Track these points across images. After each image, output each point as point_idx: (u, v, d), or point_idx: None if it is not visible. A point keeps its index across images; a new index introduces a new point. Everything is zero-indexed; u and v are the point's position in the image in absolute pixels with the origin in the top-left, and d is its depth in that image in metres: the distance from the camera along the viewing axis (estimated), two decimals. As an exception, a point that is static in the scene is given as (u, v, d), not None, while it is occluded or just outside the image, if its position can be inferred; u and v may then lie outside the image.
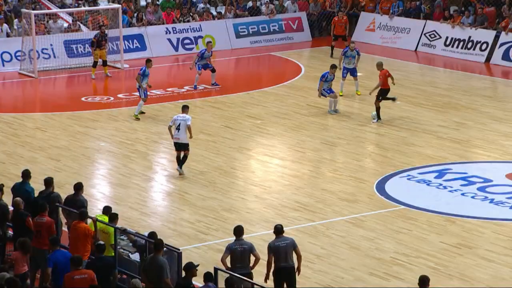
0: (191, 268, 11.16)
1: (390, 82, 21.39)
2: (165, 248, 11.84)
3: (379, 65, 21.52)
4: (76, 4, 29.24)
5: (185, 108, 18.03)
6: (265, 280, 12.07)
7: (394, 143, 19.88)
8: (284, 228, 12.48)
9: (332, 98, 22.13)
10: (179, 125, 17.58)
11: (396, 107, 22.42)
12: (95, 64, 25.53)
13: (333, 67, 22.22)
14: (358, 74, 23.94)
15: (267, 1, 31.47)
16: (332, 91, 22.14)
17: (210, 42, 25.57)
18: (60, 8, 28.46)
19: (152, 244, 11.89)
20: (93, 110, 22.31)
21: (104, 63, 25.58)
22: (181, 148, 17.64)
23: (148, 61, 21.79)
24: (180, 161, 17.64)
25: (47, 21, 27.63)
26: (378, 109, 21.33)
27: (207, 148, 19.48)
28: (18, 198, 13.12)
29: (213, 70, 24.35)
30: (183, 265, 11.40)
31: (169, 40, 28.88)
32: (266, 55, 29.67)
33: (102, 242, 11.95)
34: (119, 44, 27.12)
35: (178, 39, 29.26)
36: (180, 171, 17.60)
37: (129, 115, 21.93)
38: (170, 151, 19.23)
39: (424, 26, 29.69)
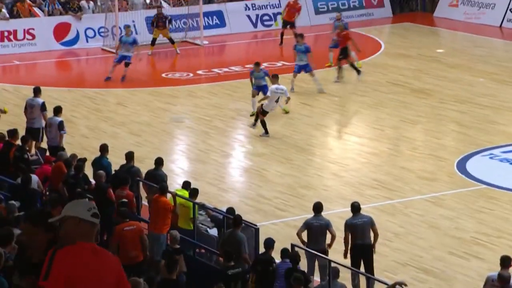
0: (271, 244, 11.25)
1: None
2: (243, 224, 11.94)
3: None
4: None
5: (275, 78, 18.76)
6: (344, 256, 12.08)
7: (476, 121, 19.47)
8: (362, 206, 12.41)
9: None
10: (278, 97, 18.36)
11: (479, 84, 21.93)
12: (153, 42, 25.70)
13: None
14: None
15: (347, -23, 31.11)
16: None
17: None
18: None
19: (230, 220, 12.01)
20: (173, 86, 22.57)
21: (171, 41, 25.66)
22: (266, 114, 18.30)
23: (257, 64, 20.35)
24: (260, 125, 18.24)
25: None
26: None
27: (285, 125, 19.48)
28: (101, 171, 13.42)
29: None
30: (260, 240, 11.48)
31: (248, 16, 28.88)
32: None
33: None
34: (199, 21, 27.29)
35: (257, 15, 29.24)
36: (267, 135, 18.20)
37: (207, 91, 22.10)
38: (248, 127, 19.33)
39: (510, 2, 28.86)
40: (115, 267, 4.82)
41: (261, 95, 19.42)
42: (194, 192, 13.01)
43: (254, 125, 18.54)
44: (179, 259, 10.73)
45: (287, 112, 19.83)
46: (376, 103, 21.03)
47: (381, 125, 19.49)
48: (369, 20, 30.32)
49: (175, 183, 15.33)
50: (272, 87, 18.65)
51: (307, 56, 21.50)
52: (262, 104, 18.48)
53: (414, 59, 24.88)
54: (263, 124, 18.32)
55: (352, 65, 22.72)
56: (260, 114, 18.34)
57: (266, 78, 19.85)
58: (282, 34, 26.38)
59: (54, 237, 5.01)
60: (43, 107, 16.53)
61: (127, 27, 23.94)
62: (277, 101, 18.48)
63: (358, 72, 22.01)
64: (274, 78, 18.99)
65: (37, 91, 16.87)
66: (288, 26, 26.25)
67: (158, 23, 25.63)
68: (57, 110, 16.05)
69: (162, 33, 25.66)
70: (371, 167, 16.95)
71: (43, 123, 16.32)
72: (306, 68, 21.64)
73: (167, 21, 25.70)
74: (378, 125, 19.55)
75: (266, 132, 18.37)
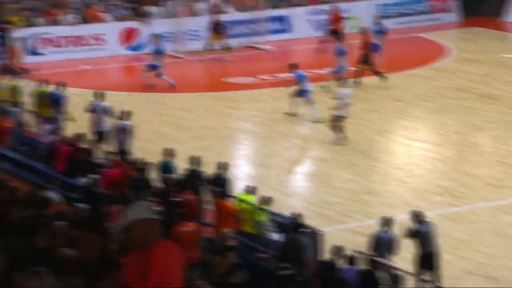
0: (338, 251, 11.19)
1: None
2: (305, 229, 11.90)
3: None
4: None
5: (345, 83, 18.90)
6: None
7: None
8: (427, 213, 12.23)
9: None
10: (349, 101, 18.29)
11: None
12: (209, 48, 25.78)
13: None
14: None
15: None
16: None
17: None
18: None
19: (293, 224, 11.98)
20: (236, 90, 22.66)
21: (227, 48, 25.70)
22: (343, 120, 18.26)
23: (293, 66, 20.62)
24: (342, 132, 18.26)
25: (196, 3, 28.28)
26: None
27: (349, 130, 19.36)
28: (168, 175, 13.56)
29: None
30: (322, 246, 11.42)
31: (312, 21, 28.81)
32: (411, 36, 29.06)
33: None
34: (263, 26, 27.34)
35: (323, 20, 29.15)
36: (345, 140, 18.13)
37: (269, 96, 22.12)
38: (311, 132, 19.27)
39: None
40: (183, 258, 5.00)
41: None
42: (267, 200, 13.01)
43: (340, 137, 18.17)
44: (229, 255, 10.73)
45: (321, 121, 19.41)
46: (441, 108, 20.73)
47: (446, 131, 19.20)
48: (436, 25, 29.93)
49: (238, 188, 15.38)
50: (343, 91, 18.49)
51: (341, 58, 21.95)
52: (334, 111, 18.21)
53: (481, 64, 24.47)
54: (336, 130, 18.06)
55: (375, 71, 22.50)
56: (333, 122, 18.09)
57: (301, 82, 19.86)
58: (323, 42, 26.24)
59: (107, 242, 5.07)
60: (108, 110, 16.85)
61: (155, 36, 23.83)
62: (348, 104, 18.34)
63: (382, 76, 21.35)
64: (342, 82, 18.90)
65: (101, 95, 17.20)
66: (332, 35, 25.79)
67: (215, 29, 25.77)
68: (126, 115, 16.31)
69: (218, 38, 25.76)
70: (436, 173, 16.71)
71: (107, 126, 16.64)
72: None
73: (223, 28, 25.82)
74: (443, 130, 19.27)
75: (342, 137, 18.17)
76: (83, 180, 13.53)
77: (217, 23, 25.77)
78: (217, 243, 11.87)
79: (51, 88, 18.12)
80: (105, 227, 4.95)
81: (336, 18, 26.53)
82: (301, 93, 19.72)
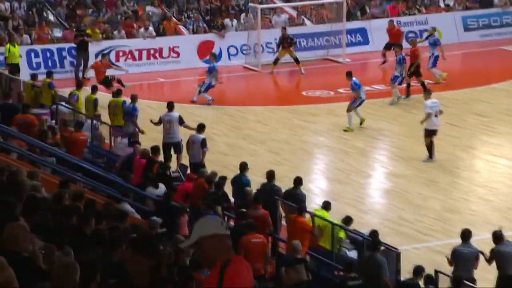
0: (419, 271, 11.08)
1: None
2: (383, 247, 11.81)
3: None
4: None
5: (429, 93, 18.51)
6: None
7: None
8: (510, 233, 11.96)
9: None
10: (437, 111, 17.91)
11: None
12: (276, 61, 25.82)
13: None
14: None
15: (500, -8, 30.26)
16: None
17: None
18: (285, 2, 29.19)
19: (370, 242, 11.90)
20: (313, 104, 22.65)
21: (296, 61, 25.69)
22: (435, 134, 17.87)
23: (349, 73, 21.10)
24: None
25: (272, 15, 28.46)
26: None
27: (430, 145, 19.11)
28: (248, 188, 13.65)
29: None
30: (401, 265, 11.31)
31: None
32: (497, 49, 28.54)
33: None
34: (342, 38, 27.32)
35: (402, 32, 28.92)
36: (431, 160, 17.70)
37: (346, 110, 22.00)
38: (390, 147, 19.12)
39: None
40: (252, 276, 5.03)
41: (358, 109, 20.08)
42: (348, 220, 12.99)
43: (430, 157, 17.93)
44: (299, 268, 10.75)
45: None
46: (528, 125, 20.28)
47: (533, 148, 18.77)
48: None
49: (313, 203, 15.36)
50: (427, 102, 18.23)
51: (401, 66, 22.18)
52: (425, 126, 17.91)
53: None
54: (429, 148, 17.82)
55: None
56: (426, 137, 17.83)
57: (357, 90, 20.32)
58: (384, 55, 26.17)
59: (157, 263, 5.07)
60: (180, 120, 17.14)
61: (211, 54, 23.94)
62: (436, 115, 18.03)
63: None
64: (427, 93, 18.68)
65: (171, 106, 17.48)
66: (391, 48, 25.35)
67: (284, 43, 25.84)
68: (200, 128, 16.52)
69: (288, 52, 25.80)
70: (522, 192, 16.33)
71: (180, 137, 16.93)
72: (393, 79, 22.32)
73: (292, 42, 25.86)
74: (530, 147, 18.84)
75: (431, 156, 17.84)
76: (156, 192, 13.73)
77: (285, 37, 25.83)
78: (286, 257, 11.90)
79: (122, 99, 18.46)
80: (157, 249, 4.97)
81: (391, 32, 26.32)
82: (355, 101, 20.15)
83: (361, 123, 20.28)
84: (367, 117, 21.35)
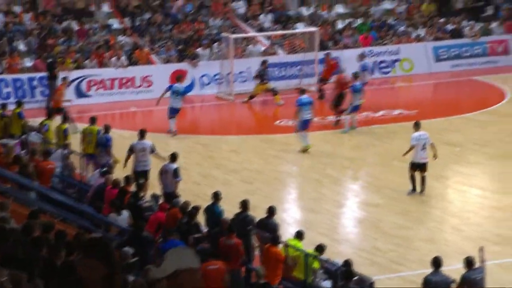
0: None
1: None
2: (357, 277, 11.80)
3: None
4: (274, 28, 30.01)
5: (417, 125, 18.04)
6: None
7: None
8: (485, 263, 12.01)
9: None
10: (424, 144, 17.59)
11: None
12: (251, 97, 25.76)
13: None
14: None
15: (471, 23, 30.67)
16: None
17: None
18: (258, 31, 29.34)
19: (344, 272, 11.88)
20: (286, 133, 22.71)
21: (274, 92, 25.73)
22: (422, 168, 17.59)
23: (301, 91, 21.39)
24: (422, 184, 17.56)
25: (245, 45, 28.58)
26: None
27: (402, 175, 19.20)
28: (226, 218, 13.62)
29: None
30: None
31: (365, 64, 28.75)
32: (467, 79, 28.89)
33: None
34: (314, 68, 27.49)
35: (374, 62, 29.19)
36: (413, 193, 17.52)
37: (320, 139, 22.12)
38: (362, 176, 19.18)
39: None
40: None
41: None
42: (320, 249, 12.96)
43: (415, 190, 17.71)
44: None
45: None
46: (500, 154, 20.47)
47: (505, 178, 18.92)
48: (493, 68, 29.74)
49: (287, 233, 15.34)
50: (414, 134, 18.09)
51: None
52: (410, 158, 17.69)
53: (542, 108, 24.19)
54: (412, 180, 17.68)
55: (338, 112, 22.81)
56: (410, 169, 17.68)
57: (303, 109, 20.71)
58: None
59: (111, 273, 4.93)
60: (153, 149, 17.11)
61: (177, 76, 23.77)
62: (424, 148, 17.85)
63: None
64: (416, 126, 18.37)
65: (143, 134, 17.43)
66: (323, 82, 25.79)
67: (263, 77, 25.77)
68: (173, 157, 16.48)
69: (264, 88, 25.77)
70: (494, 222, 16.43)
71: (150, 165, 16.90)
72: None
73: (267, 76, 25.83)
74: (502, 177, 18.99)
75: (414, 189, 17.70)
76: (120, 218, 13.64)
77: (261, 72, 25.85)
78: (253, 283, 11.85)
79: (97, 128, 18.39)
80: (113, 258, 4.82)
81: (328, 64, 26.33)
82: (301, 122, 20.68)
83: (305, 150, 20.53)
84: (340, 146, 21.45)
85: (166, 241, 12.63)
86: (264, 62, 26.22)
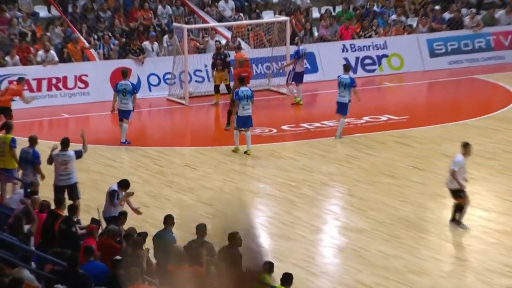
0: None
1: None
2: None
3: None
4: (236, 17, 30.12)
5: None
6: None
7: None
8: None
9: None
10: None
11: None
12: (216, 89, 26.02)
13: None
14: None
15: (472, 11, 31.04)
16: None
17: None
18: (218, 21, 29.44)
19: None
20: (252, 144, 22.82)
21: (228, 90, 25.65)
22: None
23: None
24: (460, 213, 17.56)
25: (202, 37, 28.65)
26: None
27: (390, 194, 19.41)
28: (179, 244, 13.68)
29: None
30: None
31: (346, 59, 29.09)
32: (468, 78, 29.28)
33: None
34: (285, 65, 27.65)
35: (357, 58, 29.47)
36: (463, 227, 17.53)
37: (293, 151, 22.25)
38: (343, 196, 19.32)
39: None
40: None
41: None
42: (287, 279, 13.05)
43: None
44: None
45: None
46: (507, 168, 20.77)
47: (513, 196, 19.24)
48: (498, 65, 30.17)
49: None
50: (456, 157, 17.88)
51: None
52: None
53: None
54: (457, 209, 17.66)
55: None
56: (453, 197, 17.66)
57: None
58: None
59: None
60: (78, 155, 17.16)
61: (122, 71, 23.70)
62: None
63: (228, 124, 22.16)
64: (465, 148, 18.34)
65: (66, 143, 17.37)
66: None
67: (217, 63, 25.84)
68: (122, 184, 16.36)
69: (220, 76, 25.84)
70: (501, 249, 16.67)
71: (77, 178, 17.12)
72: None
73: (227, 63, 25.86)
74: (510, 196, 19.27)
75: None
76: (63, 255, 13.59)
77: (219, 56, 25.88)
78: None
79: (10, 137, 18.11)
80: None
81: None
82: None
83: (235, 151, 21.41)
84: (316, 159, 21.58)
85: (85, 262, 12.78)
86: (218, 49, 26.26)
